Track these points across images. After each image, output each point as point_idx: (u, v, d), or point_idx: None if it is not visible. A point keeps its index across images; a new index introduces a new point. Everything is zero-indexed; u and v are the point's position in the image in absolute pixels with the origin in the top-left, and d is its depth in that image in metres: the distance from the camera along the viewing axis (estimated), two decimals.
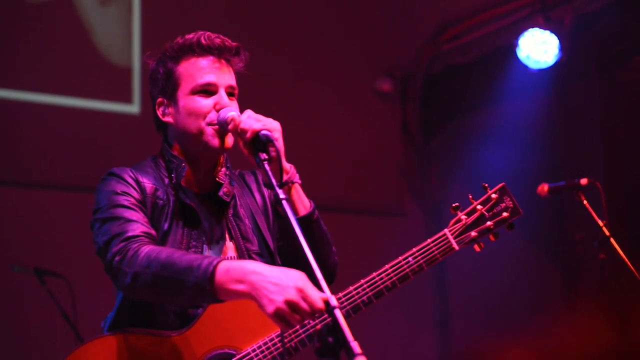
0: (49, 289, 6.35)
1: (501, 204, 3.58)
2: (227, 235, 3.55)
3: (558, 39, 7.63)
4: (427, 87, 8.73)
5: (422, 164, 9.02)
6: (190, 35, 3.54)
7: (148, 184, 3.48)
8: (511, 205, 3.58)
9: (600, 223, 5.37)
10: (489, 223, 3.56)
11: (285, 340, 3.32)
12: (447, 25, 8.58)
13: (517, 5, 8.09)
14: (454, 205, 3.57)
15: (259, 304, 2.98)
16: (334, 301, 2.66)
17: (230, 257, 3.52)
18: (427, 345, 8.76)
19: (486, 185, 3.62)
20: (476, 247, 3.55)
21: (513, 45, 7.76)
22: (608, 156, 8.11)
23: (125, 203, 3.37)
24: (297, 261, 3.29)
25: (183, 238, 3.46)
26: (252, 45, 3.69)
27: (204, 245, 3.49)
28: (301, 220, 3.38)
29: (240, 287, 3.01)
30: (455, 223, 3.55)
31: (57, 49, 7.24)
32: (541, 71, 7.82)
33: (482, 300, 8.35)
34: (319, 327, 3.24)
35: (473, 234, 3.54)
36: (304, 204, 3.47)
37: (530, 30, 7.65)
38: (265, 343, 3.34)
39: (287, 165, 3.40)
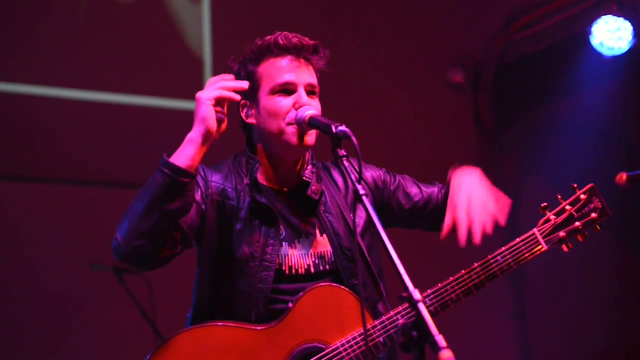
0: (128, 286, 6.42)
1: (590, 205, 3.62)
2: (317, 231, 3.58)
3: (632, 25, 7.53)
4: (499, 77, 8.64)
5: (495, 155, 8.93)
6: (269, 37, 3.59)
7: (216, 183, 3.55)
8: (600, 206, 3.63)
9: None
10: (577, 223, 3.60)
11: (373, 336, 3.36)
12: (518, 14, 8.48)
13: None
14: (542, 205, 3.60)
15: (197, 120, 3.30)
16: (417, 295, 2.66)
17: (324, 252, 3.55)
18: (506, 337, 8.70)
19: (575, 185, 3.66)
20: (564, 247, 3.59)
21: (586, 33, 7.67)
22: None
23: None
24: None
25: (260, 237, 3.50)
26: (323, 40, 3.69)
27: (284, 243, 3.53)
28: None
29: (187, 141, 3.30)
30: (544, 223, 3.59)
31: (141, 48, 7.33)
32: (615, 58, 7.72)
33: (559, 291, 8.27)
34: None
35: (562, 234, 3.57)
36: None
37: (603, 17, 7.56)
38: (355, 338, 3.38)
39: None
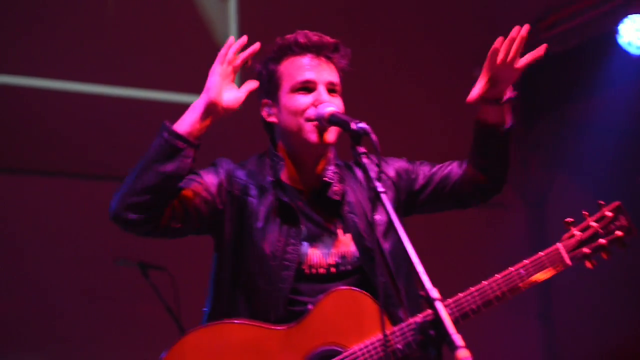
0: (153, 282, 6.44)
1: (616, 222, 3.59)
2: (340, 230, 3.57)
3: None
4: (526, 76, 8.56)
5: (522, 154, 8.91)
6: (289, 35, 3.61)
7: (239, 179, 3.57)
8: (626, 225, 3.60)
9: None
10: (602, 241, 3.57)
11: (391, 342, 3.32)
12: (545, 13, 8.44)
13: None
14: (567, 220, 3.58)
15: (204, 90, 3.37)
16: (435, 293, 2.66)
17: (346, 252, 3.55)
18: (532, 338, 8.67)
19: (602, 202, 3.62)
20: (588, 264, 3.56)
21: (613, 32, 7.63)
22: None
23: (186, 184, 3.47)
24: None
25: (280, 236, 3.50)
26: (347, 40, 3.70)
27: (304, 242, 3.52)
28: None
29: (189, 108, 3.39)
30: (569, 238, 3.57)
31: (167, 43, 7.36)
32: None
33: (586, 292, 8.23)
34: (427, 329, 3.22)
35: (586, 250, 3.55)
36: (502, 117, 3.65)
37: (631, 16, 7.51)
38: (372, 343, 3.35)
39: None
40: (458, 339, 2.54)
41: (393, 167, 3.77)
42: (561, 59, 8.38)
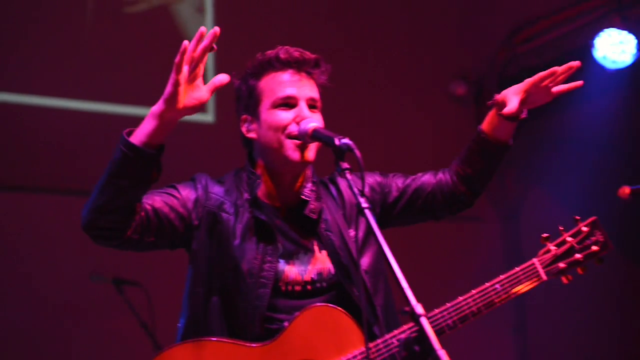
0: (127, 298, 6.40)
1: (592, 237, 3.62)
2: (316, 248, 3.55)
3: (635, 38, 7.52)
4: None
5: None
6: (270, 51, 3.57)
7: (216, 195, 3.53)
8: (602, 240, 3.62)
9: None
10: (578, 256, 3.59)
11: (372, 357, 3.30)
12: (521, 26, 8.48)
13: (592, 5, 7.96)
14: (544, 235, 3.60)
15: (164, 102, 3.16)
16: (419, 309, 2.63)
17: (322, 269, 3.53)
18: (506, 351, 8.69)
19: (577, 217, 3.65)
20: (564, 279, 3.60)
21: (589, 46, 7.65)
22: None
23: (163, 197, 3.44)
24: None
25: (257, 254, 3.47)
26: (327, 53, 3.68)
27: (281, 260, 3.50)
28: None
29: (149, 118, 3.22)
30: (545, 253, 3.59)
31: (146, 57, 7.32)
32: (618, 72, 7.70)
33: (560, 305, 8.25)
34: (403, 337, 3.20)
35: (562, 265, 3.57)
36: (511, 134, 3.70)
37: (607, 30, 7.54)
38: (354, 357, 3.34)
39: None
40: (443, 355, 2.52)
41: (367, 182, 3.74)
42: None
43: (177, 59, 3.12)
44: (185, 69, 3.14)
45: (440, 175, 3.79)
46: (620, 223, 7.50)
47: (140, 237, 3.36)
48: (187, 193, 3.49)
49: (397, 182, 3.78)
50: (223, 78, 3.23)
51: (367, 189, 3.70)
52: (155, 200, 3.40)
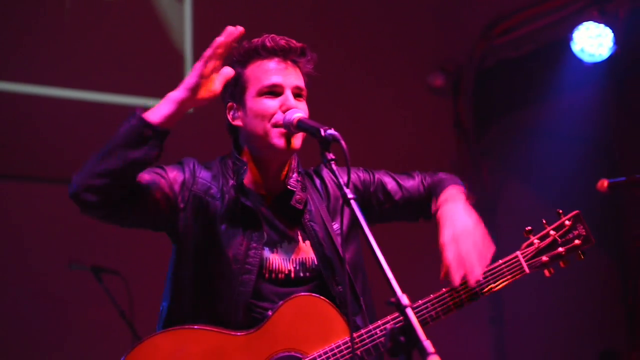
0: (106, 286, 6.39)
1: (574, 231, 3.66)
2: (300, 238, 3.56)
3: (613, 32, 7.55)
4: (479, 81, 8.65)
5: (474, 159, 8.95)
6: (256, 39, 3.58)
7: (203, 180, 3.54)
8: (584, 233, 3.66)
9: None
10: (560, 249, 3.63)
11: (357, 346, 3.34)
12: (499, 19, 8.50)
13: None
14: (527, 228, 3.63)
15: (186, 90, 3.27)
16: (405, 300, 2.65)
17: (305, 259, 3.55)
18: (483, 342, 8.72)
19: (560, 211, 3.69)
20: (546, 272, 3.63)
21: (567, 39, 7.69)
22: None
23: (151, 176, 3.44)
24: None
25: (243, 240, 3.48)
26: (304, 42, 3.68)
27: (266, 247, 3.51)
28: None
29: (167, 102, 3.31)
30: (528, 246, 3.62)
31: (127, 46, 7.29)
32: (596, 65, 7.74)
33: (536, 296, 8.29)
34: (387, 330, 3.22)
35: (544, 258, 3.61)
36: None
37: (585, 23, 7.58)
38: (332, 349, 3.37)
39: None
40: (429, 346, 2.53)
41: (352, 176, 3.75)
42: (514, 64, 8.44)
43: (208, 52, 3.26)
44: (211, 63, 3.26)
45: (423, 190, 3.81)
46: (596, 214, 7.55)
47: (126, 213, 3.37)
48: (174, 175, 3.50)
49: (384, 183, 3.79)
50: (229, 71, 3.35)
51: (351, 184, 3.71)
52: (143, 177, 3.40)
